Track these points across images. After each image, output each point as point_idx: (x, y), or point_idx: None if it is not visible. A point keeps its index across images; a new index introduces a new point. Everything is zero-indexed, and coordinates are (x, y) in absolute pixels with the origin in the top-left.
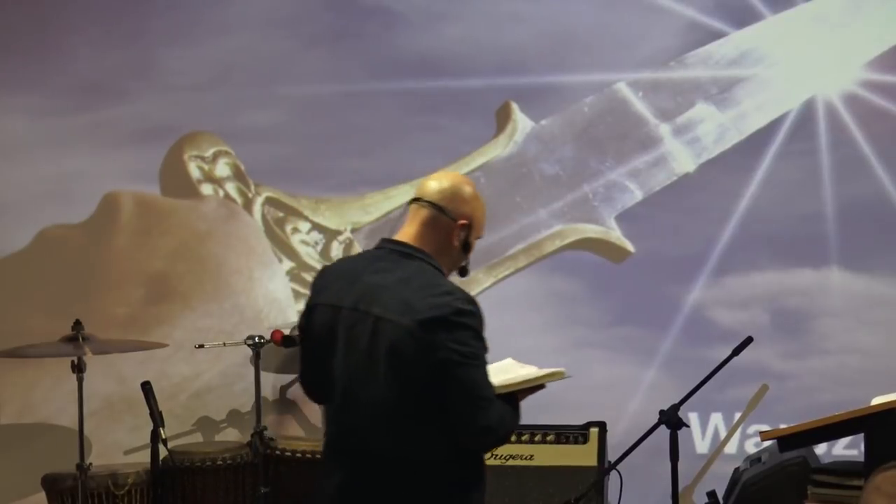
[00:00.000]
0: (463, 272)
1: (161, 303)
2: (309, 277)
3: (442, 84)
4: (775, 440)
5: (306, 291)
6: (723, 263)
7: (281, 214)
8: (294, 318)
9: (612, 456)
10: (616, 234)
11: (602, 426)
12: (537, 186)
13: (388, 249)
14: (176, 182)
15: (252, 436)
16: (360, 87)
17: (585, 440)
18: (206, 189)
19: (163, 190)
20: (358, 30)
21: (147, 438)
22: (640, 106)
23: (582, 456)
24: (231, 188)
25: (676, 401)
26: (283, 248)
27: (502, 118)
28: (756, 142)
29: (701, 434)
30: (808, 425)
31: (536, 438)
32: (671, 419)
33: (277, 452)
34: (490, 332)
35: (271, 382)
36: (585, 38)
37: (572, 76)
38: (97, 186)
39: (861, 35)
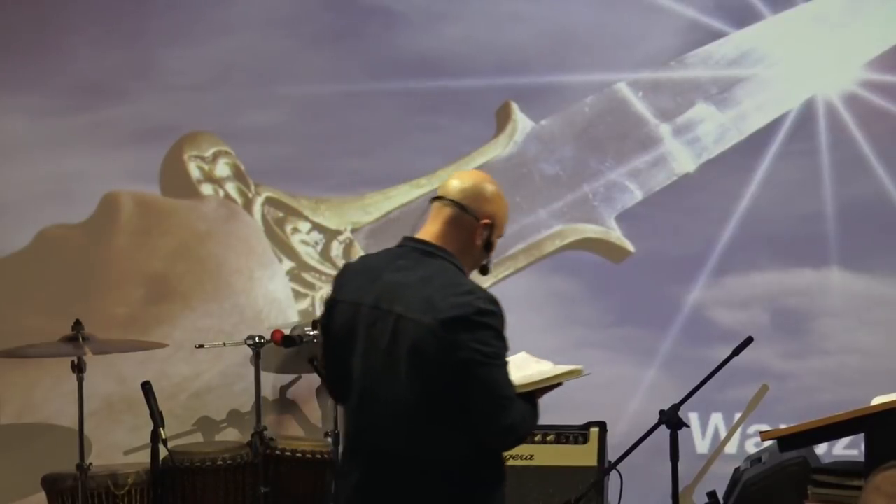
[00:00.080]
0: (484, 270)
1: (161, 303)
2: (309, 277)
3: (442, 84)
4: (775, 440)
5: (306, 291)
6: (723, 263)
7: (281, 214)
8: (294, 318)
9: (612, 456)
10: (616, 234)
11: (602, 426)
12: (537, 186)
13: (410, 248)
14: (176, 182)
15: (252, 436)
16: (360, 87)
17: (585, 440)
18: (206, 189)
19: (163, 190)
20: (358, 30)
21: (147, 438)
22: (640, 106)
23: (582, 456)
24: (231, 188)
25: (676, 401)
26: (283, 248)
27: (502, 118)
28: (756, 142)
29: (701, 434)
30: (808, 425)
31: (536, 438)
32: (671, 419)
33: (277, 452)
34: None
35: (271, 382)
36: (585, 38)
37: (572, 76)
38: (97, 186)
39: (861, 35)
